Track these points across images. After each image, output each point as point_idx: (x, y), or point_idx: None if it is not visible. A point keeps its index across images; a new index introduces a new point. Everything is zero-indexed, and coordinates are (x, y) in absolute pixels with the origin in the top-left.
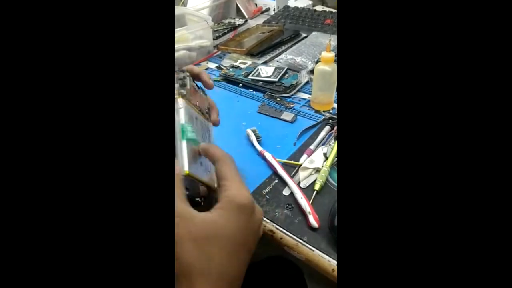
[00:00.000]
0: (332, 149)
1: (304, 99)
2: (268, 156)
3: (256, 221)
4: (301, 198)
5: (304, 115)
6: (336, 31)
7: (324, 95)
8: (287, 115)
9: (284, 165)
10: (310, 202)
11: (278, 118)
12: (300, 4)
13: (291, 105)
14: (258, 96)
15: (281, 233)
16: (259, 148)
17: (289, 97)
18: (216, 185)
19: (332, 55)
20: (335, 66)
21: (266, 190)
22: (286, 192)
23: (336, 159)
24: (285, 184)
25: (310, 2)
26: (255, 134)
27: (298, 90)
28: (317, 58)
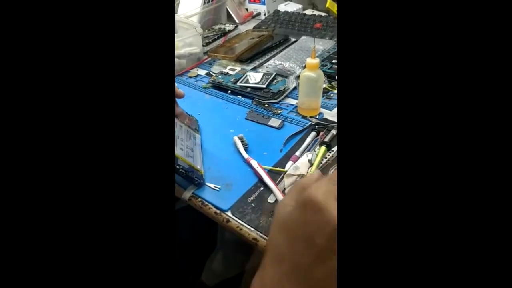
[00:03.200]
0: (317, 155)
1: (292, 104)
2: (254, 163)
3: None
4: None
5: (291, 121)
6: (324, 35)
7: (310, 101)
8: (275, 121)
9: (270, 172)
10: None
11: (265, 124)
12: (290, 8)
13: (279, 111)
14: (246, 103)
15: (265, 241)
16: (245, 155)
17: (277, 103)
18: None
19: (316, 61)
20: (320, 72)
21: (252, 198)
22: (271, 199)
23: (321, 164)
24: (270, 191)
25: (300, 6)
26: (242, 141)
27: (286, 96)
28: (305, 63)
